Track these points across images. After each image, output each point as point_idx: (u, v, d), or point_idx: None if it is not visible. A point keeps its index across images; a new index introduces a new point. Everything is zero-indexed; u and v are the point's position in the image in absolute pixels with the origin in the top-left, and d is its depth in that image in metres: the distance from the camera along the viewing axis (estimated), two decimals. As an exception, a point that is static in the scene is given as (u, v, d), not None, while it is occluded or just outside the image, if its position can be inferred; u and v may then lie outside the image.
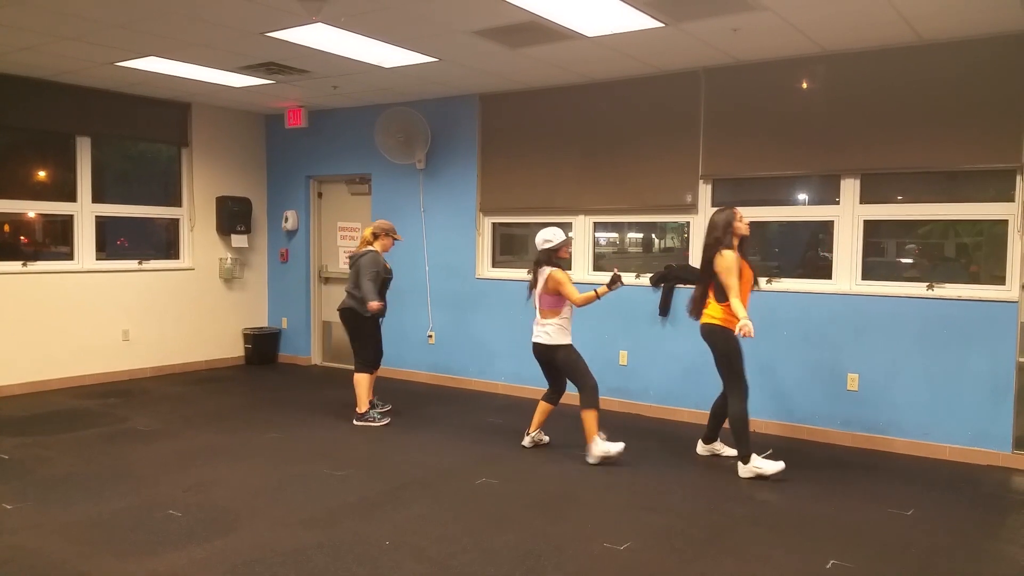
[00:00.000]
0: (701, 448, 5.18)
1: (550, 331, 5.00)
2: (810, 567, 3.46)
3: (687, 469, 4.90)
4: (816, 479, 4.70)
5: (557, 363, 5.04)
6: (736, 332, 4.51)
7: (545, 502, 4.26)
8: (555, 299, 4.98)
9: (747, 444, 4.67)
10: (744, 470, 4.69)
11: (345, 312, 5.91)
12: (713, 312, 4.71)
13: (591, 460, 4.93)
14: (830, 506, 4.25)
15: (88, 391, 7.00)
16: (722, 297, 4.63)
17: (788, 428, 5.73)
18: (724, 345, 4.68)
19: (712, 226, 4.76)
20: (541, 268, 5.02)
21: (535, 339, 5.10)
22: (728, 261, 4.58)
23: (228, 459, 4.99)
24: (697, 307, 4.86)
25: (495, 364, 7.22)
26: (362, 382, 5.92)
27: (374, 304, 5.71)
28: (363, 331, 5.93)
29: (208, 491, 4.36)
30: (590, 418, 4.93)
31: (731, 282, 4.56)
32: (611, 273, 4.91)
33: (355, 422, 5.92)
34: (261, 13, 4.81)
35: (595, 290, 4.92)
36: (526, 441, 5.30)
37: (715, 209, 4.95)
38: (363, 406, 5.92)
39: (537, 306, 5.06)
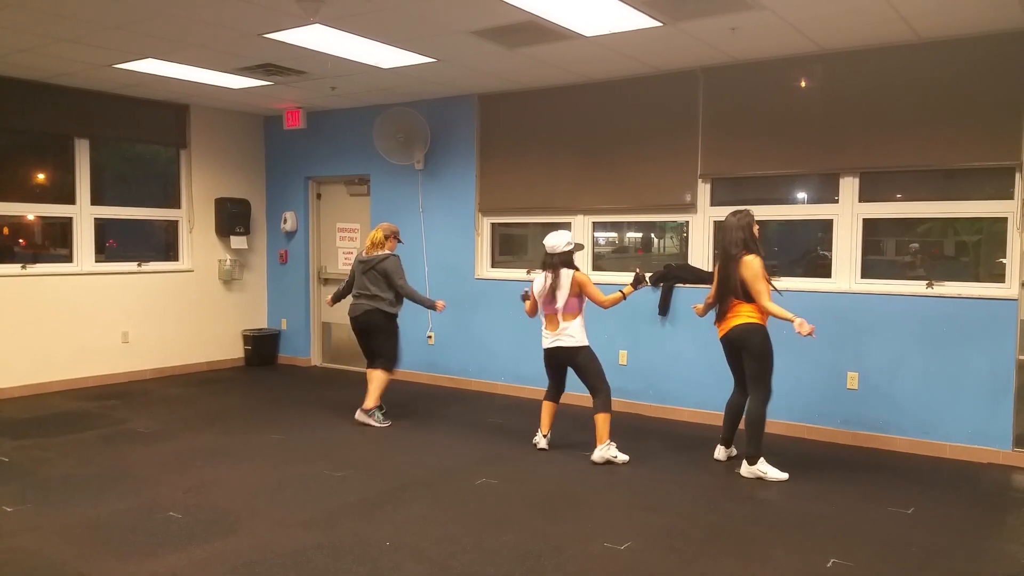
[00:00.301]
0: (720, 453, 5.02)
1: (574, 333, 4.92)
2: (810, 566, 3.46)
3: (687, 469, 4.89)
4: (816, 478, 4.70)
5: (577, 364, 4.98)
6: (799, 331, 4.36)
7: (545, 502, 4.26)
8: (577, 301, 4.93)
9: (759, 446, 4.65)
10: (747, 470, 4.68)
11: (370, 314, 5.82)
12: (749, 313, 4.60)
13: (595, 459, 4.92)
14: (830, 505, 4.25)
15: (88, 393, 7.00)
16: (751, 297, 4.55)
17: (788, 427, 5.73)
18: (763, 344, 4.61)
19: (732, 228, 4.65)
20: (560, 271, 4.92)
21: (555, 343, 4.96)
22: (755, 267, 4.51)
23: (228, 460, 4.98)
24: (721, 312, 4.73)
25: (495, 364, 7.22)
26: (381, 380, 5.90)
27: (441, 303, 5.94)
28: (390, 330, 5.92)
29: (208, 492, 4.36)
30: (603, 421, 4.90)
31: (761, 287, 4.50)
32: (634, 272, 4.93)
33: (357, 416, 5.91)
34: (259, 14, 4.81)
35: (621, 290, 4.91)
36: (543, 443, 5.22)
37: (730, 211, 4.78)
38: (372, 402, 5.91)
39: (559, 310, 4.91)
